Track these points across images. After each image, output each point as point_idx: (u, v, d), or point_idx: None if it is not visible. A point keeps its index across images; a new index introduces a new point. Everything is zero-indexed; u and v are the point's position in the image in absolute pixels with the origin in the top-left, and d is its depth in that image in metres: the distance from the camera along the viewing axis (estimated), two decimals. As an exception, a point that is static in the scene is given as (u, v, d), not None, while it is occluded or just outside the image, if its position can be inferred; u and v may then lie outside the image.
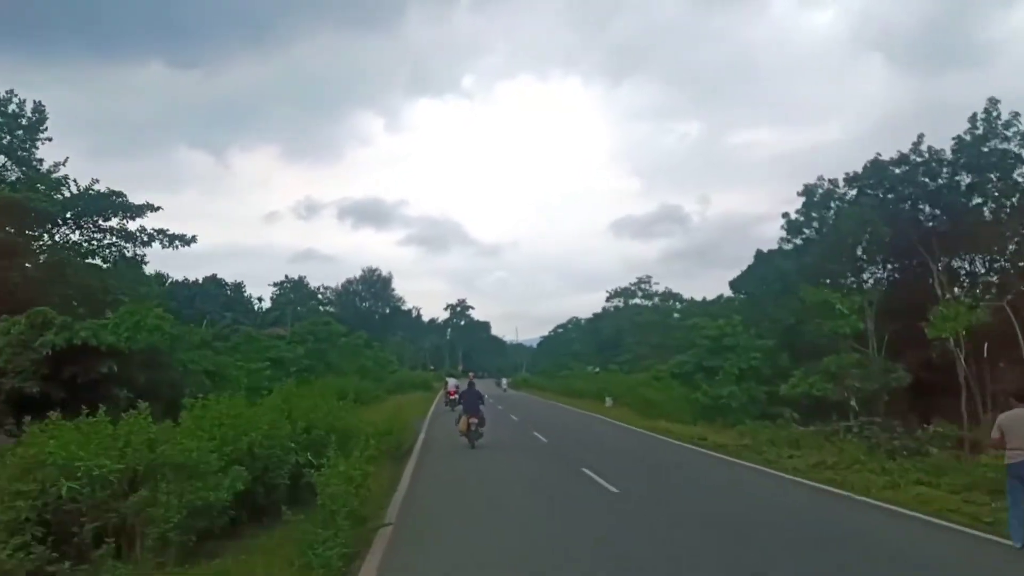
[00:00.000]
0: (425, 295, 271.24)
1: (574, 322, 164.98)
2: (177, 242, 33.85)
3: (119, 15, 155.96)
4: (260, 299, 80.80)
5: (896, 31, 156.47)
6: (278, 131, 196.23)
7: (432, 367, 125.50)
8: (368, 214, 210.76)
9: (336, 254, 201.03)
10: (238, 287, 72.10)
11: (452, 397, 37.72)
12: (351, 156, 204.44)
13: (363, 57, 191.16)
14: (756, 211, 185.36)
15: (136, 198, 31.58)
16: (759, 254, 52.33)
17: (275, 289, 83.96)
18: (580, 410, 43.24)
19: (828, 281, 37.59)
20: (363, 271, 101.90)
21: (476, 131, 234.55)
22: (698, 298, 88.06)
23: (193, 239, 34.22)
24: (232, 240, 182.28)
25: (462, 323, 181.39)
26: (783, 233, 42.85)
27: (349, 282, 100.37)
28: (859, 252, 37.27)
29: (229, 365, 26.34)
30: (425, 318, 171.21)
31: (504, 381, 73.84)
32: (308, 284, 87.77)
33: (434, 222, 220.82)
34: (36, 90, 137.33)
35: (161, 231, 33.41)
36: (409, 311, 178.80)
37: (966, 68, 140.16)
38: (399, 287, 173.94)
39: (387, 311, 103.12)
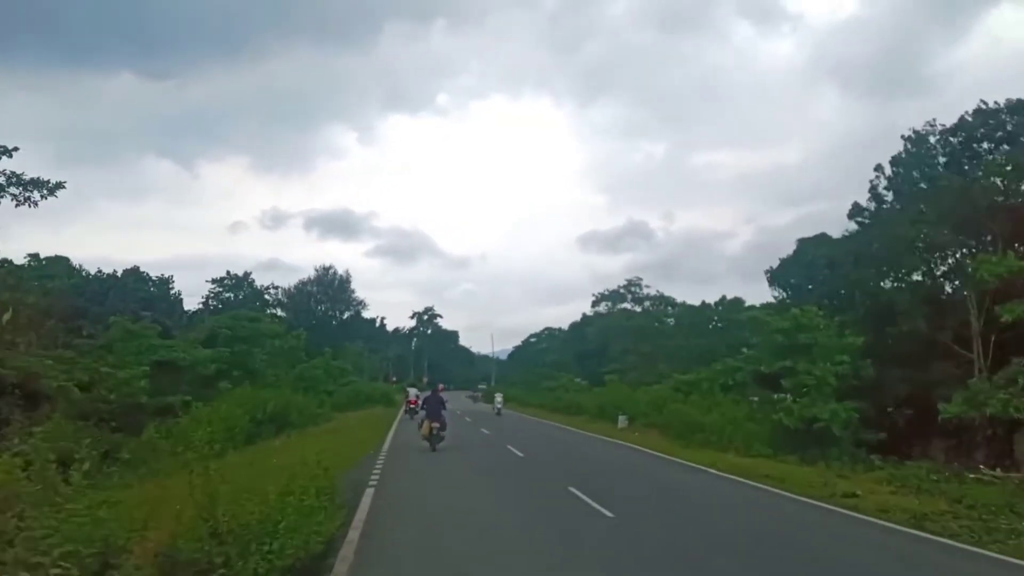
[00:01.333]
0: (393, 306, 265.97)
1: (547, 332, 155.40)
2: (36, 192, 23.57)
3: (88, 23, 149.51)
4: (200, 304, 69.57)
5: (849, 62, 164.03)
6: (248, 143, 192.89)
7: (395, 378, 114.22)
8: (336, 225, 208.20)
9: (301, 264, 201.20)
10: (164, 282, 60.00)
11: (412, 406, 39.22)
12: (322, 168, 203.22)
13: (337, 72, 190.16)
14: (718, 228, 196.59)
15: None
16: (804, 242, 43.20)
17: (212, 286, 72.22)
18: (590, 433, 33.17)
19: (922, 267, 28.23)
20: (317, 270, 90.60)
21: (448, 147, 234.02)
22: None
23: (58, 186, 23.79)
24: (196, 251, 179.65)
25: (429, 332, 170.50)
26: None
27: (303, 283, 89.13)
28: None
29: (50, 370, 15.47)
30: (391, 327, 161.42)
31: (498, 399, 61.43)
32: (253, 282, 75.77)
33: (403, 234, 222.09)
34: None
35: (15, 176, 23.21)
36: (373, 320, 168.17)
37: (914, 97, 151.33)
38: (365, 296, 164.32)
39: (345, 315, 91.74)
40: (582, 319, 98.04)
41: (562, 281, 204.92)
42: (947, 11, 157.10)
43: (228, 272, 73.52)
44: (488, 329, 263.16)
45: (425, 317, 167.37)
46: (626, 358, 75.68)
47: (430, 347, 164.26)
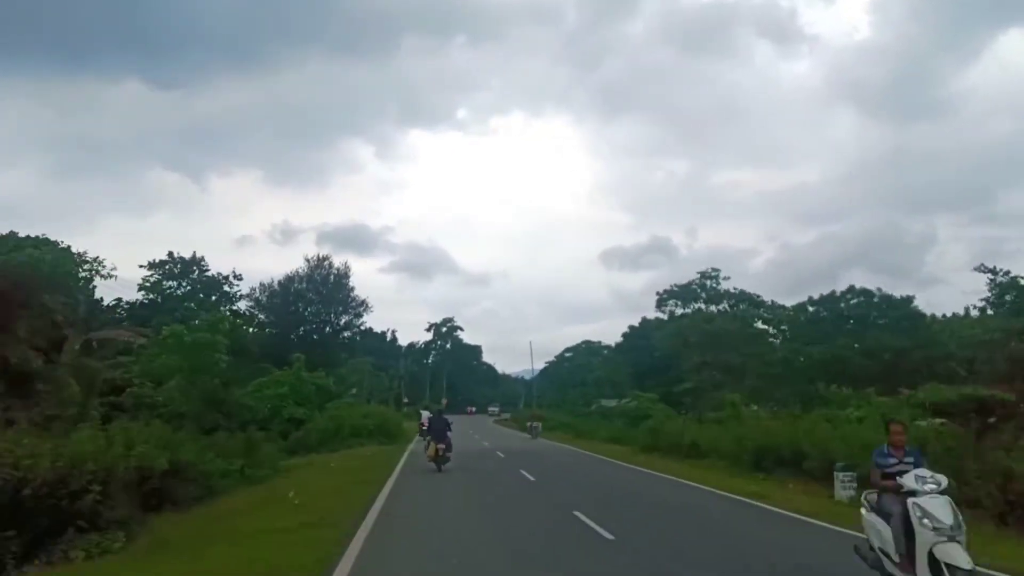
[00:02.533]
0: (409, 325, 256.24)
1: (586, 346, 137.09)
2: None
3: (95, 31, 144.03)
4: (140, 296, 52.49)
5: (865, 84, 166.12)
6: (260, 156, 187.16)
7: (406, 400, 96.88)
8: (350, 240, 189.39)
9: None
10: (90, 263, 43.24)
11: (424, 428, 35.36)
12: (337, 183, 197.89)
13: (355, 86, 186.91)
14: (741, 246, 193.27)
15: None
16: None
17: (152, 273, 54.55)
18: (781, 510, 15.07)
19: None
20: (308, 261, 73.36)
21: (467, 162, 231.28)
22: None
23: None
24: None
25: (448, 346, 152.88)
26: None
27: (288, 278, 71.95)
28: None
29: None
30: (405, 343, 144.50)
31: (535, 427, 46.68)
32: (206, 269, 57.96)
33: (420, 250, 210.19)
34: (7, 105, 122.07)
35: None
36: (383, 334, 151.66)
37: (929, 119, 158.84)
38: (379, 313, 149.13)
39: (343, 320, 74.36)
40: (641, 324, 79.97)
41: (583, 299, 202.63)
42: (959, 35, 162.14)
43: (171, 254, 56.22)
44: (511, 349, 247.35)
45: (444, 329, 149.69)
46: (702, 373, 57.79)
47: (449, 364, 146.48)
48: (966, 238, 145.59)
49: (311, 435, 32.32)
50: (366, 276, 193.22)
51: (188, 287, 55.87)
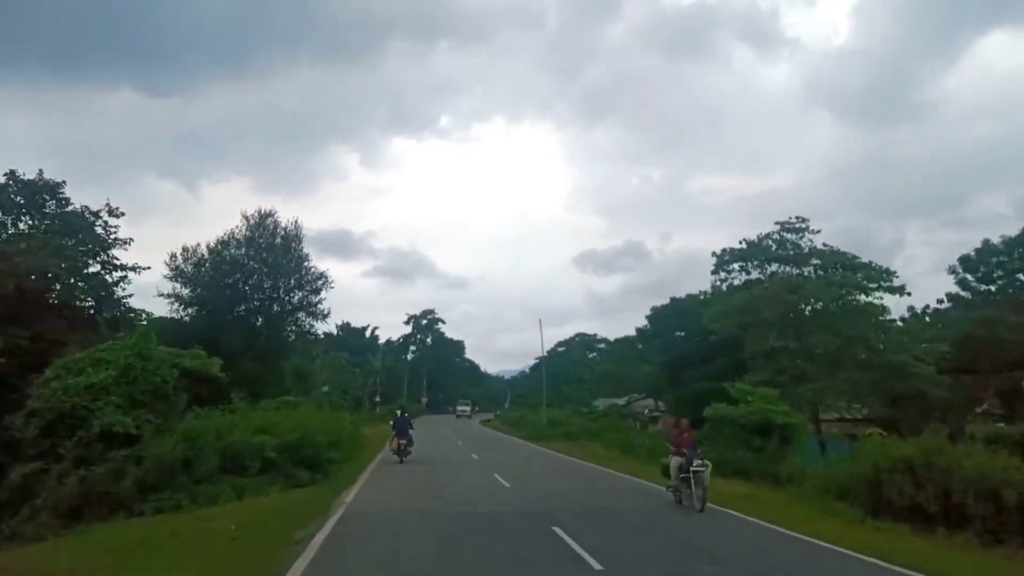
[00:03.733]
0: (390, 328, 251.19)
1: (580, 339, 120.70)
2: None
3: (89, 40, 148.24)
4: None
5: (842, 89, 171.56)
6: (250, 162, 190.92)
7: (379, 399, 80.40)
8: (333, 245, 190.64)
9: None
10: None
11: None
12: (323, 190, 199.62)
13: (340, 92, 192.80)
14: (713, 249, 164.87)
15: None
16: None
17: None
18: None
19: None
20: (246, 218, 56.25)
21: (449, 168, 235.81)
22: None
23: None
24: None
25: (429, 340, 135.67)
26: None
27: (223, 243, 54.79)
28: None
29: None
30: (384, 341, 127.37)
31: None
32: (68, 201, 38.70)
33: (401, 254, 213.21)
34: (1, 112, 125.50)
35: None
36: (361, 329, 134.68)
37: (905, 123, 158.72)
38: (364, 320, 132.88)
39: (294, 296, 57.34)
40: (672, 303, 63.36)
41: (560, 302, 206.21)
42: (939, 39, 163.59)
43: (11, 173, 37.31)
44: (490, 350, 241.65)
45: (424, 322, 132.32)
46: (779, 361, 41.39)
47: (430, 360, 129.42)
48: (935, 242, 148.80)
49: (149, 470, 15.53)
50: (349, 280, 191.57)
51: (35, 222, 37.06)
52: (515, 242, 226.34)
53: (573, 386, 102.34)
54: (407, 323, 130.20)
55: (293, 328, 58.61)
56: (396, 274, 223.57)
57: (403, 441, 27.54)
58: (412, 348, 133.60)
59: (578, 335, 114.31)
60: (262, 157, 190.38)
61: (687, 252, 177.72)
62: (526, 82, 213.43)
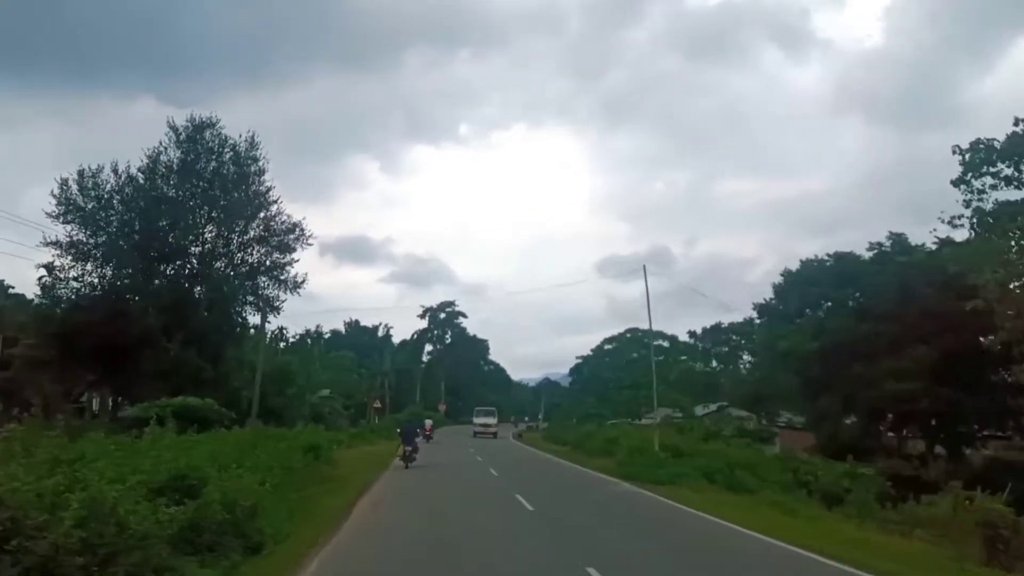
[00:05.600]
0: (405, 333, 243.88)
1: (632, 335, 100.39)
2: None
3: (110, 50, 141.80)
4: None
5: (874, 92, 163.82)
6: (271, 172, 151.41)
7: (377, 405, 61.80)
8: (351, 252, 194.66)
9: (318, 291, 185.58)
10: None
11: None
12: (342, 198, 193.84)
13: (359, 101, 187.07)
14: (742, 255, 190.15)
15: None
16: None
17: None
18: None
19: None
20: (174, 129, 37.34)
21: (469, 175, 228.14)
22: None
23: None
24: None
25: (448, 337, 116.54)
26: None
27: (149, 169, 36.22)
28: None
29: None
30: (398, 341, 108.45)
31: None
32: None
33: (419, 260, 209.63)
34: (24, 123, 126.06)
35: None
36: (373, 328, 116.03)
37: (939, 128, 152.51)
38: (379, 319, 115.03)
39: (254, 255, 38.50)
40: (802, 268, 43.81)
41: (579, 310, 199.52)
42: (974, 41, 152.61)
43: None
44: (510, 357, 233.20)
45: (442, 316, 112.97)
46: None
47: (450, 360, 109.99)
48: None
49: None
50: (367, 287, 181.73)
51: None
52: (534, 249, 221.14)
53: (627, 392, 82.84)
54: (422, 316, 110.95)
55: (247, 299, 39.81)
56: (413, 280, 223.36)
57: (408, 448, 27.57)
58: (428, 349, 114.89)
59: (629, 330, 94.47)
60: (282, 165, 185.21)
61: (714, 256, 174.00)
62: (546, 88, 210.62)
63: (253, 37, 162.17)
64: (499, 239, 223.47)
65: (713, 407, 67.08)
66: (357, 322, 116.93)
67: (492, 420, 62.66)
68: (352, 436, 42.46)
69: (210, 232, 38.21)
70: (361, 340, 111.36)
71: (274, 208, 39.30)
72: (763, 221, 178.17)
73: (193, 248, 38.04)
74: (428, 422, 51.22)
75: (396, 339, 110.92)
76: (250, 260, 39.40)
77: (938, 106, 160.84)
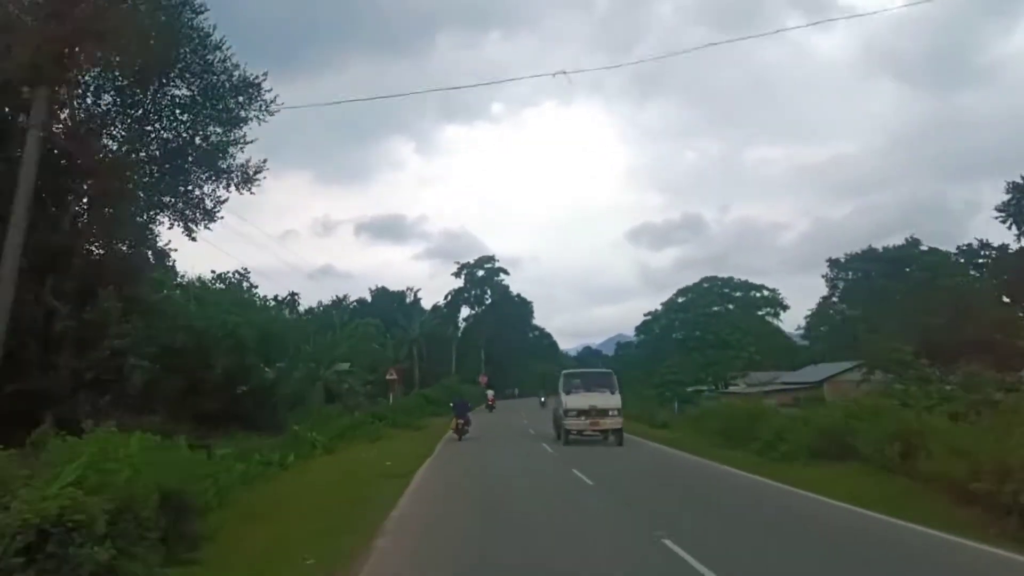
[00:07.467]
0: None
1: (712, 283, 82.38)
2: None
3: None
4: None
5: (901, 54, 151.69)
6: (308, 156, 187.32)
7: (391, 376, 46.34)
8: (386, 230, 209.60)
9: (353, 270, 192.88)
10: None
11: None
12: (377, 178, 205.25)
13: (393, 85, 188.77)
14: (773, 220, 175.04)
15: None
16: None
17: None
18: None
19: None
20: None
21: (501, 151, 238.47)
22: None
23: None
24: (252, 261, 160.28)
25: (488, 297, 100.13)
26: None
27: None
28: None
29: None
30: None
31: None
32: None
33: (453, 235, 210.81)
34: None
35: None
36: (402, 293, 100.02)
37: (969, 88, 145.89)
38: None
39: (208, 132, 22.12)
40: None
41: (616, 282, 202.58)
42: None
43: None
44: (550, 328, 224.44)
45: (480, 273, 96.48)
46: None
47: (490, 324, 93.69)
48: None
49: None
50: (401, 264, 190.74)
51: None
52: (568, 222, 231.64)
53: (711, 352, 66.13)
54: (456, 274, 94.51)
55: (162, 200, 23.80)
56: (447, 254, 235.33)
57: (461, 421, 28.50)
58: (463, 314, 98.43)
59: (707, 279, 76.96)
60: (320, 150, 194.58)
61: (746, 222, 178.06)
62: (576, 64, 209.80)
63: (288, 26, 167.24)
64: (532, 213, 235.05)
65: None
66: (385, 288, 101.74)
67: (610, 396, 27.05)
68: (350, 426, 26.84)
69: (92, 80, 22.10)
70: (389, 307, 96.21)
71: (216, 57, 22.92)
72: (794, 185, 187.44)
73: (62, 113, 21.88)
74: (490, 392, 62.01)
75: (427, 305, 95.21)
76: (169, 136, 23.19)
77: (962, 66, 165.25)
